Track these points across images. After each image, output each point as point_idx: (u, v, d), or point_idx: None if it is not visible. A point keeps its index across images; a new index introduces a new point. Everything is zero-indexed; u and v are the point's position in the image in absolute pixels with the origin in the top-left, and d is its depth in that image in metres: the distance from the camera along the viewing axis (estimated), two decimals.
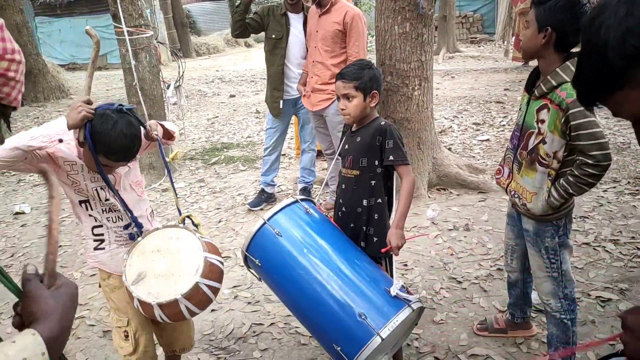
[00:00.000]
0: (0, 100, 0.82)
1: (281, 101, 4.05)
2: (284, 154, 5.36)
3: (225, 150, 6.26)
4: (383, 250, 2.03)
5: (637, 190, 4.02)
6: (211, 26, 21.98)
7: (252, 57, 16.57)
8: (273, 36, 3.93)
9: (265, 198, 4.35)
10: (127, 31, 4.74)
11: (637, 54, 0.70)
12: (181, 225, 1.97)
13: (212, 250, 1.90)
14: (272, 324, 2.73)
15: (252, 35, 4.19)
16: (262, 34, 4.06)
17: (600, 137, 1.75)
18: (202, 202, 4.62)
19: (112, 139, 1.66)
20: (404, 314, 1.79)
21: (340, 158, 2.25)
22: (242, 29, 3.98)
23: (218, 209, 4.43)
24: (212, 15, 22.90)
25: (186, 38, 17.40)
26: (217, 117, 8.16)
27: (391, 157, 2.03)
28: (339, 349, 1.80)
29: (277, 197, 4.47)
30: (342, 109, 2.11)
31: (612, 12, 0.73)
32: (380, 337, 1.73)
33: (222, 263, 1.91)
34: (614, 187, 4.10)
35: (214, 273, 1.83)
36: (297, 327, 2.64)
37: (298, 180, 4.51)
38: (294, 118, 4.57)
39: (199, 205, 4.56)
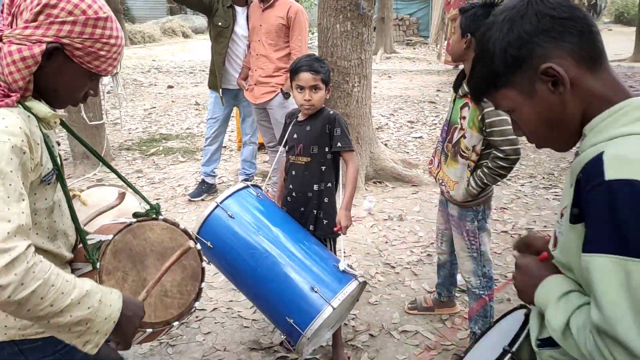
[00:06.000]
0: (89, 69, 1.13)
1: (221, 76, 4.07)
2: (224, 146, 5.38)
3: (163, 141, 6.15)
4: (335, 229, 2.18)
5: (550, 184, 4.46)
6: (147, 14, 21.18)
7: (190, 48, 16.16)
8: (219, 24, 3.95)
9: (205, 189, 4.36)
10: None
11: (515, 62, 0.91)
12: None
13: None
14: (214, 309, 2.79)
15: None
16: (204, 22, 4.07)
17: (510, 134, 1.96)
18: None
19: None
20: (352, 285, 1.95)
21: (284, 149, 2.36)
22: None
23: (157, 199, 4.38)
24: (148, 2, 22.07)
25: (120, 25, 16.67)
26: (154, 107, 7.96)
27: (339, 144, 2.19)
28: (291, 321, 1.89)
29: (218, 188, 4.50)
30: (308, 100, 2.15)
31: (498, 28, 0.92)
32: (332, 306, 1.86)
33: None
34: (530, 182, 4.52)
35: None
36: (239, 312, 2.73)
37: (239, 172, 4.56)
38: (235, 110, 4.61)
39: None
